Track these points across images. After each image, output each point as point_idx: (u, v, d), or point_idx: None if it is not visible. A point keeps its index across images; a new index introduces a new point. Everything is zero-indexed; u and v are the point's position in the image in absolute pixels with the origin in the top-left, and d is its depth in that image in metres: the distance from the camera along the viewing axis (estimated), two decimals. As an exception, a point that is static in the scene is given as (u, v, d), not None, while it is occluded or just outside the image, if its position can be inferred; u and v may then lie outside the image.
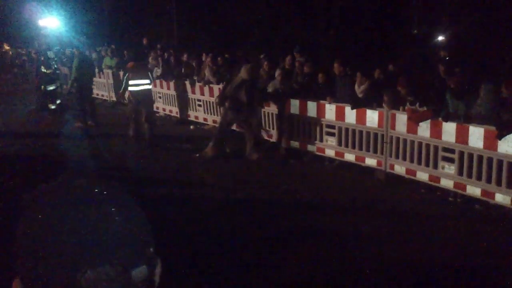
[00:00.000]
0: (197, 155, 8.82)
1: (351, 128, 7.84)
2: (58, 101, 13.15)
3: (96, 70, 15.89)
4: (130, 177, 7.59)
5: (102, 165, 8.31)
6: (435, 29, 19.13)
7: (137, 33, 20.16)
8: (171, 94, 12.73)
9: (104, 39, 20.03)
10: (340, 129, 8.03)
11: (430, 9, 18.48)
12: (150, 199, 5.88)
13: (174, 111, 12.77)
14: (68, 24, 23.07)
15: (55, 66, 13.65)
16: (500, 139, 5.83)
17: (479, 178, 6.16)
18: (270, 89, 9.13)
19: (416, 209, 6.26)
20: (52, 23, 23.66)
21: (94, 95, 15.02)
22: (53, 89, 13.12)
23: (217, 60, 11.77)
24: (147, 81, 9.79)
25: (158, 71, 13.51)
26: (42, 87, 13.15)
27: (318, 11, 18.66)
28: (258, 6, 19.69)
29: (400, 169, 7.23)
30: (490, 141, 5.96)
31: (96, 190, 0.83)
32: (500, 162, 5.91)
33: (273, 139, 9.34)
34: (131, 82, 9.70)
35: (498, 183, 5.94)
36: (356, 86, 8.25)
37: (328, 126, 8.24)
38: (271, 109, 9.24)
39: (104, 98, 16.46)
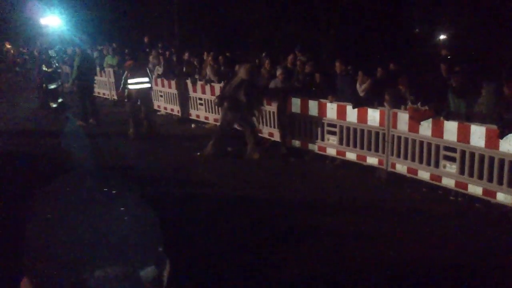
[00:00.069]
0: (198, 153, 8.82)
1: (352, 127, 7.84)
2: (59, 100, 13.16)
3: (98, 68, 15.91)
4: (130, 175, 7.59)
5: (102, 164, 8.30)
6: (436, 28, 19.12)
7: (138, 31, 20.17)
8: (173, 93, 12.73)
9: (106, 37, 20.04)
10: (341, 128, 8.03)
11: (431, 8, 18.45)
12: (150, 197, 5.86)
13: (176, 109, 12.77)
14: (70, 23, 23.10)
15: (56, 64, 13.67)
16: (501, 138, 5.82)
17: (480, 177, 6.15)
18: (271, 87, 9.13)
19: (418, 208, 6.26)
20: (53, 22, 23.69)
21: (96, 94, 15.04)
22: (55, 88, 13.14)
23: (218, 59, 11.78)
24: (146, 79, 9.79)
25: (159, 69, 13.52)
26: (44, 85, 13.17)
27: (319, 10, 18.63)
28: (259, 6, 19.67)
29: (401, 168, 7.22)
30: (492, 140, 5.95)
31: (106, 189, 0.83)
32: (501, 161, 5.90)
33: (274, 138, 9.35)
34: (130, 81, 9.70)
35: (500, 182, 5.94)
36: (357, 85, 8.25)
37: (330, 125, 8.23)
38: (272, 107, 9.24)
39: (105, 96, 16.47)
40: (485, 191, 6.12)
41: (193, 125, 11.81)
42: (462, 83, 6.81)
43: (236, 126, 8.96)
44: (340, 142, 8.08)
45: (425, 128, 6.75)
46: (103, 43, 18.58)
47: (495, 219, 5.80)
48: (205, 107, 11.55)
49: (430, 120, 6.68)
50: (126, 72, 9.89)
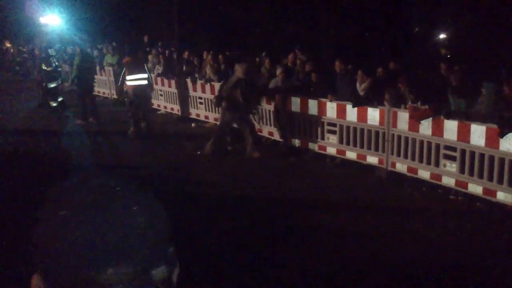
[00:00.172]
0: (198, 152, 8.82)
1: (352, 126, 7.84)
2: (59, 99, 13.15)
3: (97, 67, 15.91)
4: (130, 174, 7.59)
5: (103, 163, 8.30)
6: (436, 28, 19.10)
7: (138, 31, 20.15)
8: (172, 92, 12.73)
9: (105, 36, 20.02)
10: (341, 127, 8.03)
11: (431, 7, 18.43)
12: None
13: (176, 108, 12.77)
14: (70, 22, 23.06)
15: (56, 63, 13.65)
16: (501, 137, 5.82)
17: (480, 176, 6.15)
18: (271, 86, 9.14)
19: (418, 207, 6.26)
20: (53, 21, 23.65)
21: (95, 93, 15.03)
22: (54, 87, 13.12)
23: (218, 58, 11.78)
24: (144, 75, 9.79)
25: (159, 68, 13.52)
26: (44, 84, 13.16)
27: (319, 10, 18.61)
28: (259, 5, 19.66)
29: (401, 167, 7.22)
30: (492, 139, 5.95)
31: (119, 189, 0.83)
32: (501, 160, 5.90)
33: (274, 137, 9.35)
34: (128, 77, 9.70)
35: (500, 181, 5.93)
36: (357, 84, 8.25)
37: (329, 124, 8.23)
38: (272, 107, 9.24)
39: (105, 95, 16.48)
40: (485, 190, 6.12)
41: (193, 124, 11.81)
42: (462, 82, 6.81)
43: (235, 125, 8.95)
44: (340, 141, 8.08)
45: (425, 127, 6.75)
46: (102, 42, 18.56)
47: (495, 218, 5.80)
48: (205, 106, 11.55)
49: (430, 119, 6.67)
50: (124, 69, 9.88)
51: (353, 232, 5.46)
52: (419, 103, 7.00)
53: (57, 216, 0.77)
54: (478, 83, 6.59)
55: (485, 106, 6.33)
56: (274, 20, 19.29)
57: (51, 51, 14.89)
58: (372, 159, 7.64)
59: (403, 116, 7.04)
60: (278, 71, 9.23)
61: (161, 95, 13.34)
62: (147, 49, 15.16)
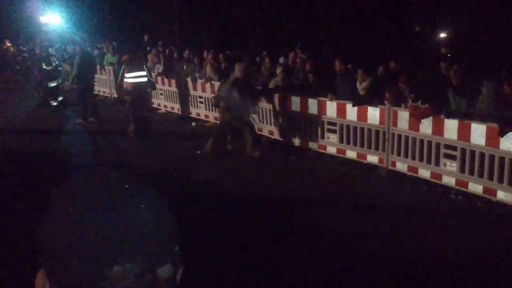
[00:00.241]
0: (199, 152, 8.82)
1: (352, 125, 7.84)
2: (59, 98, 13.16)
3: (98, 66, 15.91)
4: (131, 173, 7.57)
5: (103, 162, 8.30)
6: (436, 27, 19.10)
7: (138, 30, 20.16)
8: (173, 91, 12.73)
9: (106, 36, 20.02)
10: (341, 126, 8.03)
11: (431, 6, 18.43)
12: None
13: (176, 107, 12.77)
14: (70, 21, 23.07)
15: (56, 62, 13.65)
16: (502, 136, 5.81)
17: (481, 175, 6.15)
18: (271, 85, 9.13)
19: (418, 206, 6.26)
20: (53, 20, 23.67)
21: (96, 92, 15.04)
22: (55, 86, 13.14)
23: (219, 57, 11.78)
24: (143, 72, 9.79)
25: (159, 67, 13.52)
26: (44, 83, 13.17)
27: (319, 9, 18.61)
28: (260, 3, 19.65)
29: (401, 166, 7.22)
30: (492, 138, 5.94)
31: (126, 186, 0.83)
32: (502, 160, 5.89)
33: (274, 136, 9.35)
34: (127, 75, 9.70)
35: (500, 180, 5.93)
36: (358, 84, 8.25)
37: (330, 123, 8.23)
38: (271, 106, 9.23)
39: (105, 95, 16.48)
40: (486, 189, 6.11)
41: (193, 124, 11.81)
42: (462, 81, 6.80)
43: (234, 125, 8.95)
44: (340, 140, 8.08)
45: (426, 126, 6.74)
46: (103, 41, 18.55)
47: (496, 217, 5.80)
48: (206, 105, 11.54)
49: (431, 118, 6.67)
50: (123, 66, 9.88)
51: (353, 232, 5.45)
52: (419, 102, 6.99)
53: (62, 214, 0.77)
54: (478, 82, 6.58)
55: (485, 105, 6.32)
56: (275, 19, 19.28)
57: (51, 50, 14.92)
58: (372, 158, 7.63)
59: (403, 115, 7.03)
60: (278, 70, 9.23)
61: (161, 94, 13.34)
62: (148, 48, 15.16)
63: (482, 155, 6.11)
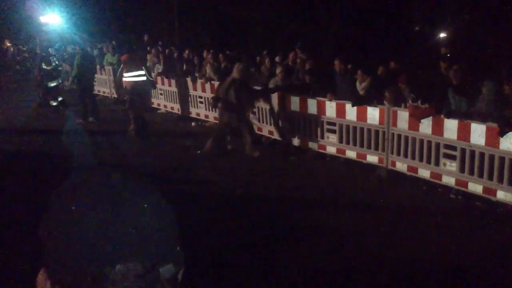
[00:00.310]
0: (199, 151, 8.82)
1: (352, 125, 7.83)
2: (59, 98, 13.16)
3: (98, 66, 15.90)
4: (131, 173, 7.57)
5: (103, 162, 8.30)
6: (437, 26, 19.10)
7: (138, 30, 20.14)
8: (173, 91, 12.73)
9: (106, 36, 20.02)
10: (341, 126, 8.03)
11: (431, 6, 18.43)
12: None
13: (176, 107, 12.77)
14: (70, 21, 23.04)
15: (56, 62, 13.65)
16: (502, 136, 5.81)
17: (480, 175, 6.15)
18: (271, 85, 9.13)
19: (418, 206, 6.26)
20: (53, 20, 23.65)
21: (96, 92, 15.03)
22: (55, 86, 13.13)
23: (219, 57, 11.78)
24: (142, 72, 9.79)
25: (159, 67, 13.51)
26: (44, 83, 13.16)
27: (319, 9, 18.62)
28: (260, 4, 19.65)
29: (401, 166, 7.22)
30: (492, 138, 5.94)
31: (126, 186, 0.83)
32: (502, 159, 5.90)
33: (274, 136, 9.34)
34: (126, 74, 9.70)
35: (500, 180, 5.93)
36: (357, 84, 8.25)
37: (329, 123, 8.23)
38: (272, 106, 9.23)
39: (105, 94, 16.47)
40: (485, 189, 6.11)
41: (193, 123, 11.80)
42: (462, 81, 6.80)
43: (233, 125, 8.95)
44: (340, 140, 8.08)
45: (425, 126, 6.74)
46: (103, 41, 18.55)
47: (496, 217, 5.80)
48: (205, 105, 11.54)
49: (430, 118, 6.67)
50: (122, 66, 9.88)
51: (353, 232, 5.46)
52: (419, 102, 6.99)
53: (63, 214, 0.77)
54: (478, 82, 6.58)
55: (485, 105, 6.32)
56: (275, 19, 19.28)
57: (51, 50, 14.92)
58: (372, 158, 7.63)
59: (403, 115, 7.03)
60: (278, 70, 9.23)
61: (161, 94, 13.33)
62: (147, 48, 15.16)
63: (482, 155, 6.11)
